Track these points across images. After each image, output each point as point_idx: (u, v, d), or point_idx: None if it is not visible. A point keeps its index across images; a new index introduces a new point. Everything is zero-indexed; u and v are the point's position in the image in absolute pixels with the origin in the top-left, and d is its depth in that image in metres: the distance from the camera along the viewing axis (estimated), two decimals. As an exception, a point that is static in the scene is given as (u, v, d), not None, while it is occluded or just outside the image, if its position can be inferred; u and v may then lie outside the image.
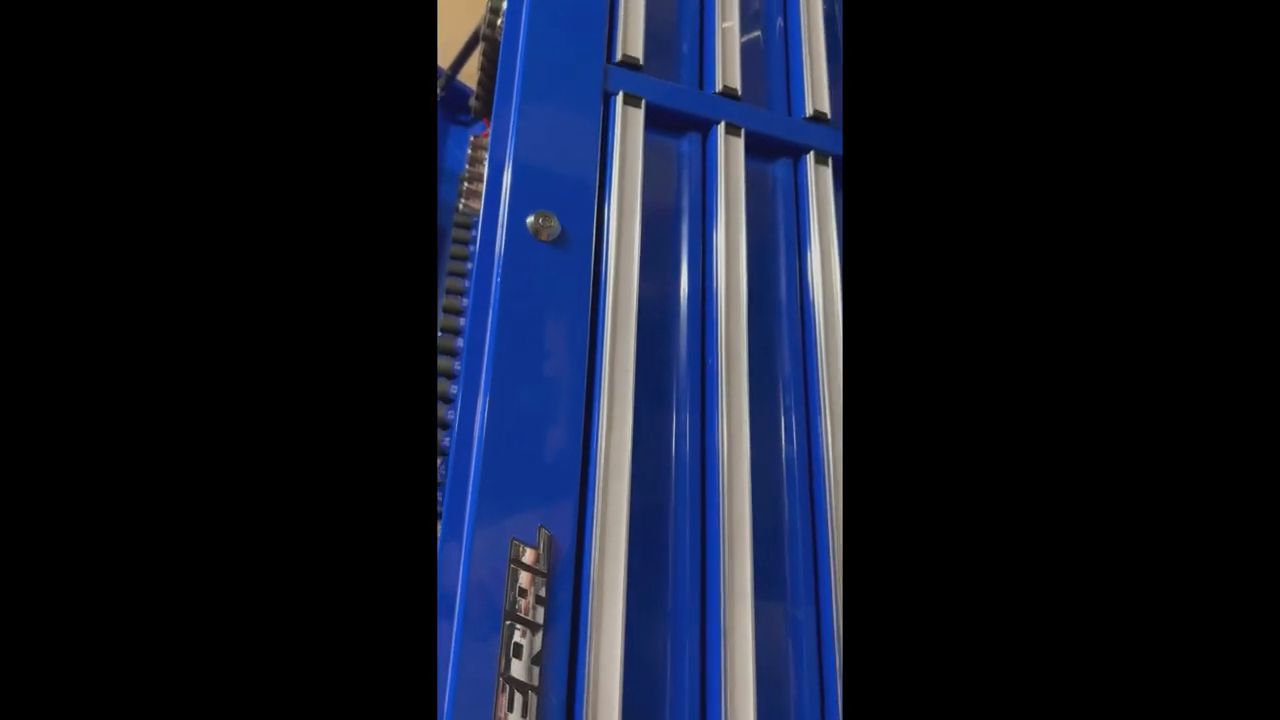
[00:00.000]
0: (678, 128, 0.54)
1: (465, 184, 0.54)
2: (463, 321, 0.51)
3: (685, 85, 0.57)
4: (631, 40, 0.53)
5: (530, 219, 0.41)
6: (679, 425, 0.43)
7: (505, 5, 0.52)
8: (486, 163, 0.45)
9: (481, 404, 0.36)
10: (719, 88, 0.56)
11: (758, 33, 0.67)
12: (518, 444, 0.36)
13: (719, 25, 0.59)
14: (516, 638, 0.30)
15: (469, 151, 0.55)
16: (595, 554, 0.34)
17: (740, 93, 0.56)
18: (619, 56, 0.53)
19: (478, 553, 0.32)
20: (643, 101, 0.51)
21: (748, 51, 0.61)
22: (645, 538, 0.38)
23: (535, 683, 0.30)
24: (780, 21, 0.68)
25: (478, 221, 0.46)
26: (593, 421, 0.38)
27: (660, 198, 0.51)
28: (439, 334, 0.50)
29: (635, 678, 0.32)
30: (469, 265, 0.56)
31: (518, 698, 0.28)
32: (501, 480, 0.34)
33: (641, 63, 0.54)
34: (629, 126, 0.49)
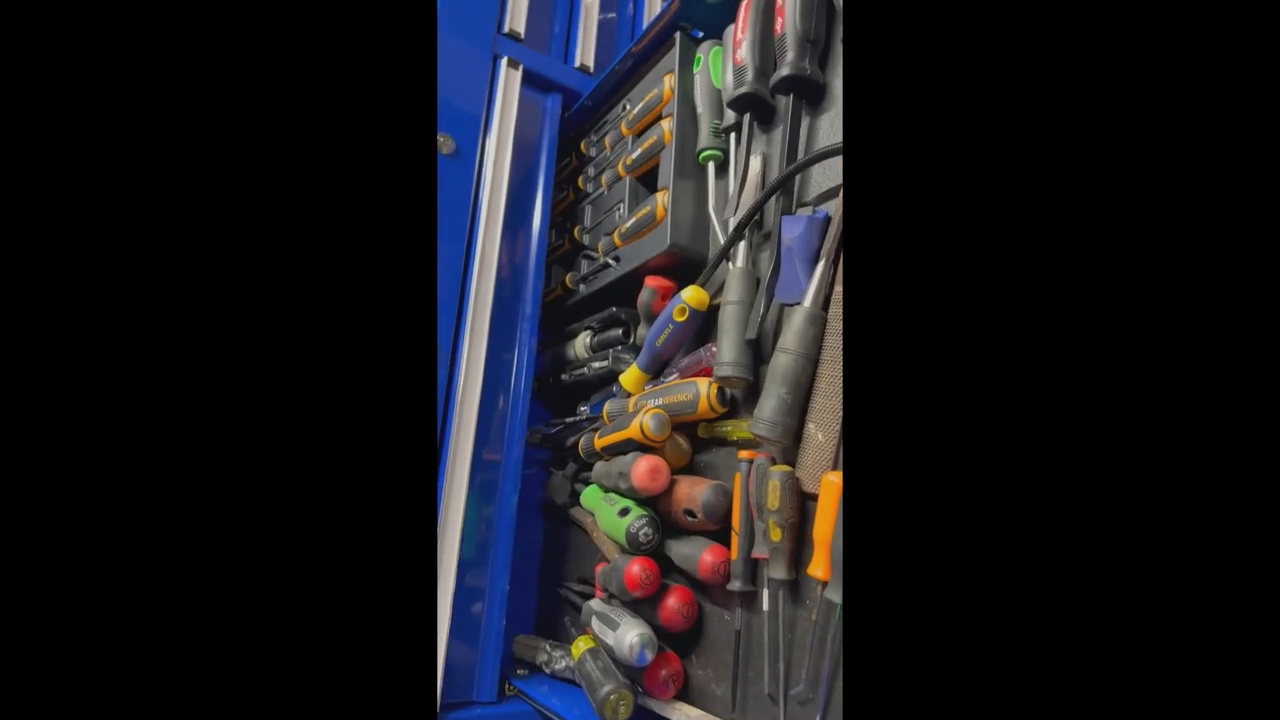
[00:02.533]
0: (544, 88, 0.83)
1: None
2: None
3: (553, 58, 0.86)
4: (516, 18, 0.78)
5: (439, 137, 0.65)
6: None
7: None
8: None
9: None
10: (578, 64, 0.87)
11: (612, 15, 0.98)
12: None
13: (584, 9, 0.88)
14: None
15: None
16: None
17: (593, 69, 0.87)
18: (506, 29, 0.78)
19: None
20: (520, 65, 0.78)
21: (603, 33, 0.92)
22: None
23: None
24: (630, 9, 1.00)
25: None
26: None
27: (527, 136, 0.79)
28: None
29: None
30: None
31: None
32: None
33: (523, 36, 0.80)
34: (509, 83, 0.75)
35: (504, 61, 0.78)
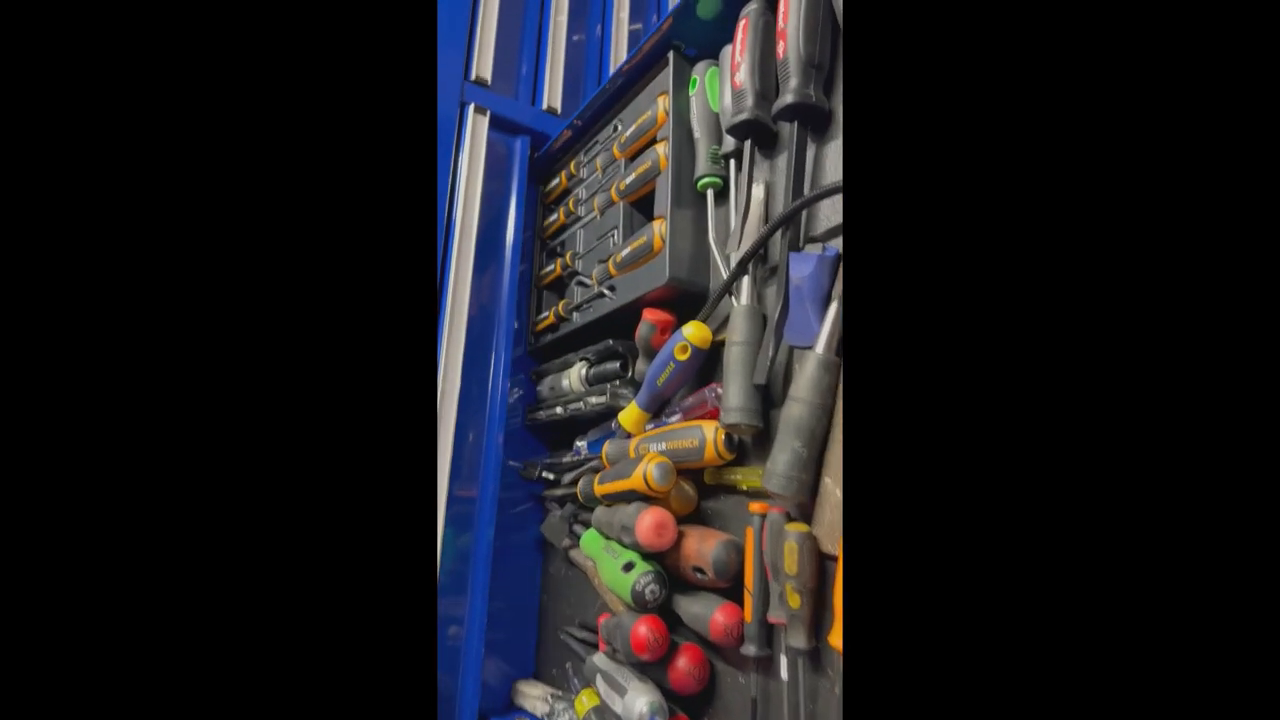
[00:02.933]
0: (512, 131, 0.84)
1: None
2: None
3: (521, 100, 0.85)
4: (483, 64, 0.77)
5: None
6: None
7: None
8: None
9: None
10: (545, 105, 0.87)
11: (579, 38, 0.98)
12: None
13: (550, 52, 0.88)
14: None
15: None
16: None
17: (560, 111, 0.87)
18: (473, 76, 0.77)
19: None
20: (488, 111, 0.78)
21: (570, 75, 0.94)
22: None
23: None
24: (598, 50, 1.01)
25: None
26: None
27: (496, 179, 0.82)
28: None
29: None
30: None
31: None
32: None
33: (489, 82, 0.80)
34: (477, 130, 0.74)
35: (471, 108, 0.77)
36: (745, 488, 0.51)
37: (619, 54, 1.02)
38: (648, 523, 0.50)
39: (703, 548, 0.48)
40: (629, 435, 0.61)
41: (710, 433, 0.50)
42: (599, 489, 0.59)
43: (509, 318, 0.82)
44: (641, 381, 0.63)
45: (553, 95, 0.90)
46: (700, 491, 0.56)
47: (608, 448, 0.61)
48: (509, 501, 0.82)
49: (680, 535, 0.51)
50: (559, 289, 0.84)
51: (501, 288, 0.83)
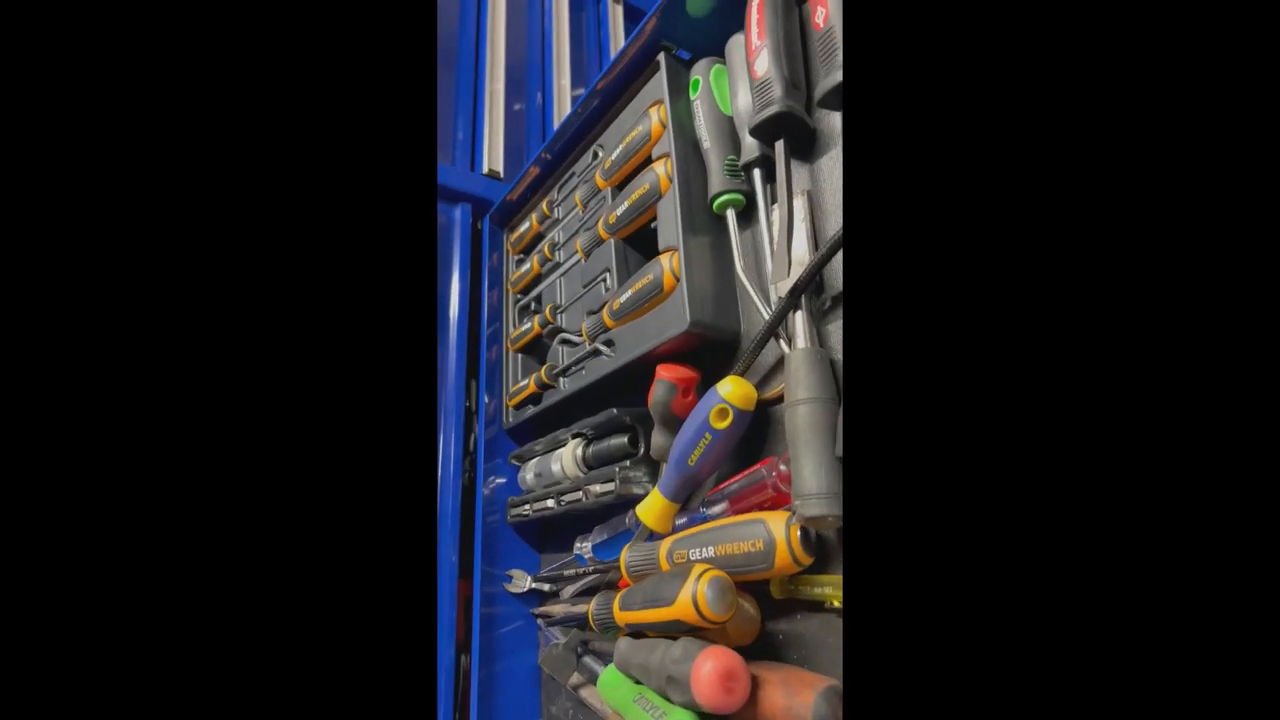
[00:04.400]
0: (450, 199, 0.79)
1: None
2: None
3: (459, 166, 0.82)
4: None
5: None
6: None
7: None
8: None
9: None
10: (486, 169, 0.82)
11: (519, 107, 0.93)
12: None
13: (488, 112, 0.86)
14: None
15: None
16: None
17: (503, 175, 0.82)
18: None
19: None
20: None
21: (512, 135, 0.89)
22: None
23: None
24: (539, 104, 0.96)
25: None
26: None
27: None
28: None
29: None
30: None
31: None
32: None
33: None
34: None
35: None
36: (836, 605, 0.36)
37: (563, 107, 0.97)
38: (710, 674, 0.34)
39: (794, 703, 0.33)
40: (654, 535, 0.46)
41: (780, 530, 0.36)
42: (622, 616, 0.43)
43: (458, 399, 0.73)
44: (662, 461, 0.49)
45: (494, 158, 0.84)
46: (765, 607, 0.41)
47: (627, 555, 0.46)
48: (495, 620, 0.65)
49: (754, 683, 0.35)
50: (538, 351, 0.70)
51: (447, 367, 0.74)
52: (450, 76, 0.87)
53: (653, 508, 0.45)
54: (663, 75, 0.50)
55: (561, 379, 0.60)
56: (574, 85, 1.02)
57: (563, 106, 0.98)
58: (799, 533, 0.35)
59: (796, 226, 0.41)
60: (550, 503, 0.58)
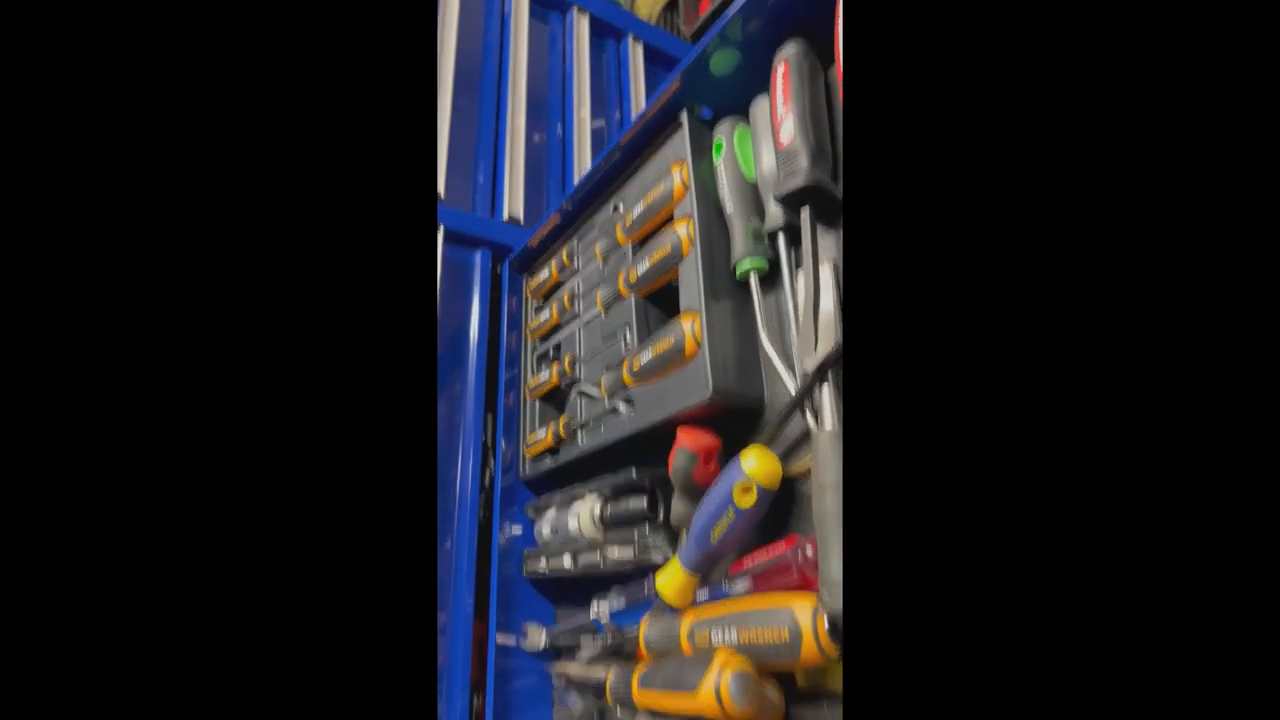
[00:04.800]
0: (470, 245, 0.80)
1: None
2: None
3: (478, 211, 0.82)
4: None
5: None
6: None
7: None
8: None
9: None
10: (506, 215, 0.83)
11: (539, 137, 0.95)
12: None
13: (509, 157, 0.87)
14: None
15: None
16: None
17: (523, 220, 0.83)
18: None
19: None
20: (442, 226, 0.70)
21: (532, 180, 0.90)
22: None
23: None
24: (560, 153, 0.98)
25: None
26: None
27: (452, 298, 0.77)
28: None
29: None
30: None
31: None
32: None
33: (443, 195, 0.78)
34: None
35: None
36: (867, 700, 0.34)
37: (582, 154, 0.97)
38: (733, 777, 0.33)
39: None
40: (672, 608, 0.45)
41: (807, 620, 0.34)
42: (640, 696, 0.42)
43: (476, 449, 0.74)
44: (682, 529, 0.48)
45: (514, 204, 0.84)
46: (789, 694, 0.39)
47: (647, 629, 0.45)
48: (510, 672, 0.64)
49: (779, 784, 0.34)
50: (556, 400, 0.69)
51: (466, 403, 0.74)
52: (473, 108, 0.87)
53: (673, 580, 0.44)
54: (685, 135, 0.50)
55: (580, 433, 0.59)
56: (594, 116, 1.03)
57: (583, 137, 0.98)
58: (826, 624, 0.34)
59: (824, 296, 0.40)
60: (567, 562, 0.57)
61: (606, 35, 1.10)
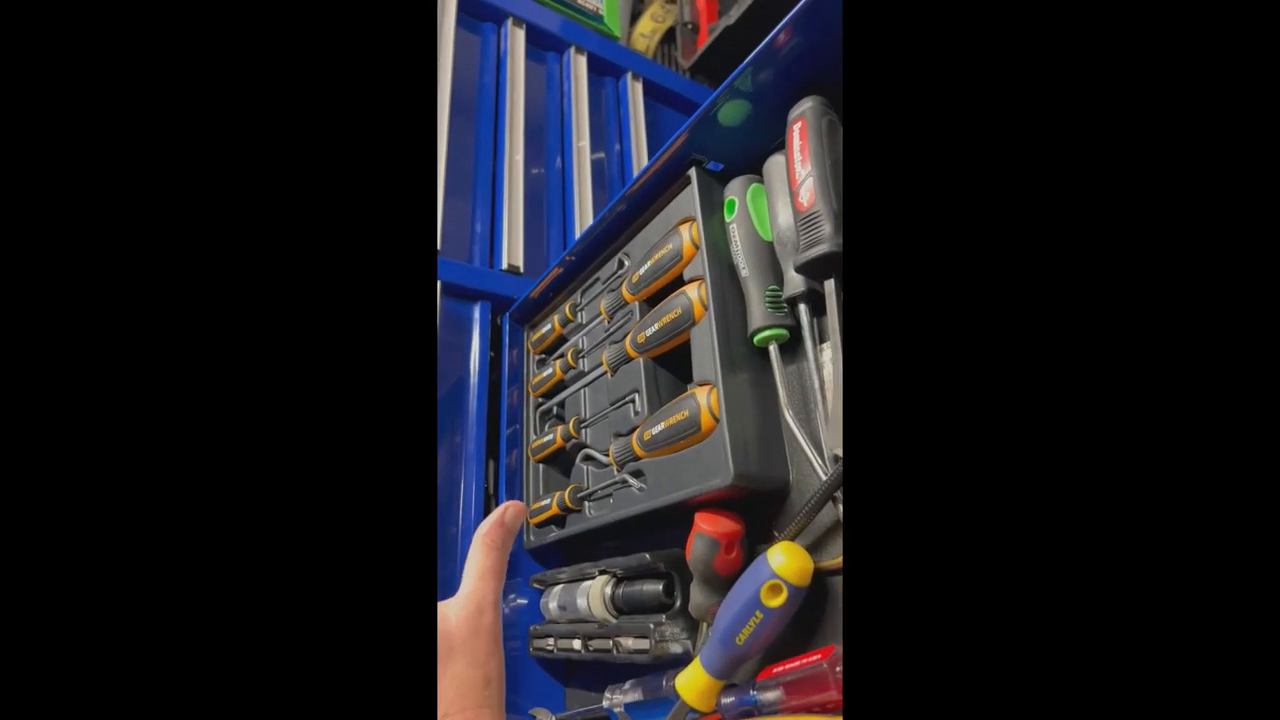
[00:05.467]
0: (468, 298, 0.77)
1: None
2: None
3: (476, 262, 0.80)
4: None
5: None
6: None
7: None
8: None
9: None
10: (505, 265, 0.81)
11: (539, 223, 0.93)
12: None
13: (506, 206, 0.84)
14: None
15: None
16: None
17: (523, 269, 0.81)
18: None
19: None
20: (438, 280, 0.67)
21: (531, 229, 0.87)
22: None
23: None
24: (560, 199, 0.95)
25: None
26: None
27: (450, 352, 0.74)
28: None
29: None
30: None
31: None
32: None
33: (438, 247, 0.76)
34: None
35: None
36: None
37: (583, 190, 0.94)
38: None
39: None
40: (694, 711, 0.40)
41: (851, 751, 0.30)
42: (663, 823, 0.37)
43: (478, 479, 0.70)
44: (701, 620, 0.44)
45: (513, 253, 0.81)
46: (830, 824, 0.35)
47: (666, 736, 0.40)
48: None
49: None
50: (560, 462, 0.65)
51: (466, 447, 0.70)
52: (468, 154, 0.85)
53: (695, 683, 0.40)
54: (694, 191, 0.47)
55: (588, 505, 0.56)
56: (593, 149, 1.00)
57: (582, 169, 0.96)
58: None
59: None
60: (577, 645, 0.53)
61: (605, 73, 1.08)
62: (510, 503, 0.37)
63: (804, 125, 0.39)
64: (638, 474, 0.49)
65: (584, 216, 0.92)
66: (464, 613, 0.32)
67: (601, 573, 0.52)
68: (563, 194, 0.94)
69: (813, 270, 0.38)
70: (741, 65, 0.41)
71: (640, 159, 1.04)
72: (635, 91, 1.08)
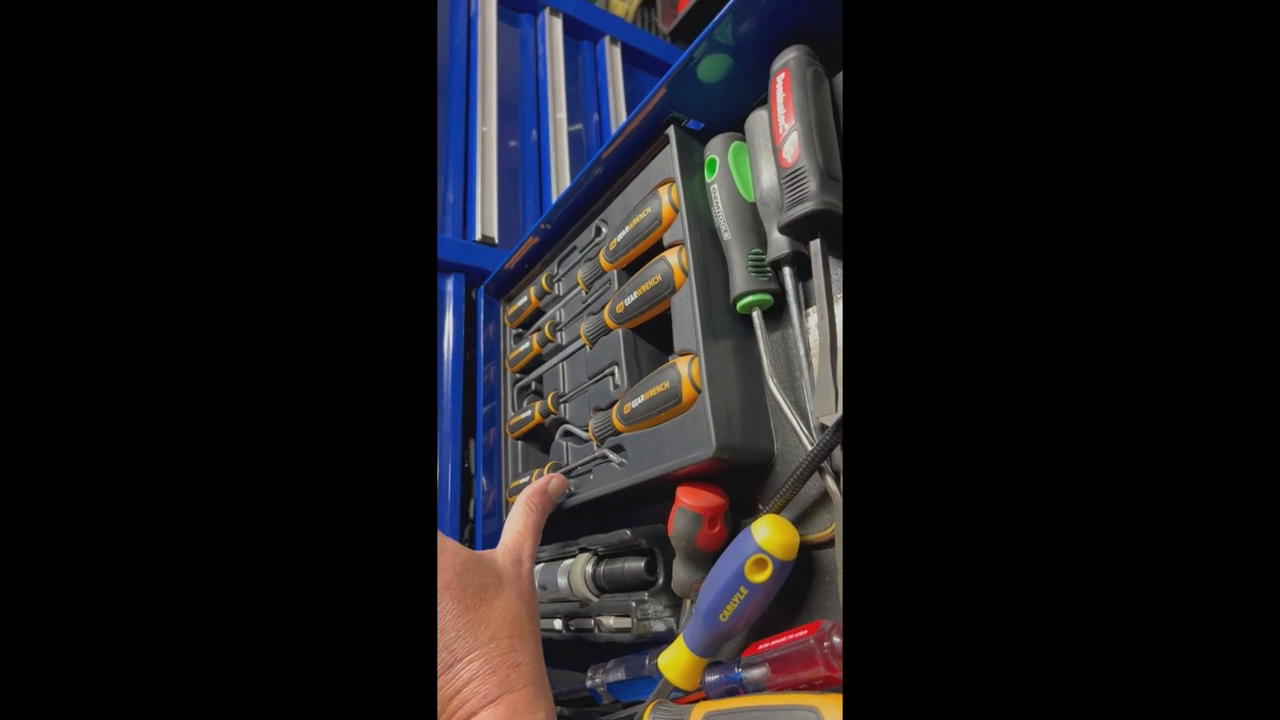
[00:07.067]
0: (442, 271, 0.75)
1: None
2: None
3: (449, 233, 0.74)
4: None
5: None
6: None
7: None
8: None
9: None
10: (479, 236, 0.78)
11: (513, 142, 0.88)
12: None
13: (480, 174, 0.79)
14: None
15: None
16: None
17: (498, 240, 0.77)
18: None
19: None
20: None
21: (506, 198, 0.84)
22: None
23: None
24: (536, 165, 0.91)
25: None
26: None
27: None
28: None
29: None
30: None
31: None
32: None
33: None
34: None
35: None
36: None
37: (560, 161, 0.90)
38: None
39: None
40: (678, 690, 0.39)
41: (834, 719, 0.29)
42: (647, 803, 0.36)
43: (454, 477, 0.69)
44: (684, 597, 0.43)
45: (487, 224, 0.78)
46: (817, 801, 0.34)
47: (652, 713, 0.39)
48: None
49: None
50: (539, 438, 0.64)
51: (442, 443, 0.70)
52: (439, 120, 0.81)
53: (678, 661, 0.38)
54: (673, 151, 0.44)
55: (569, 480, 0.54)
56: (570, 120, 0.97)
57: (559, 141, 0.92)
58: (863, 733, 0.29)
59: (841, 339, 0.35)
60: (558, 624, 0.52)
61: (582, 37, 1.04)
62: (555, 474, 0.41)
63: (787, 76, 0.37)
64: (618, 449, 0.47)
65: (561, 188, 0.89)
66: (508, 558, 0.37)
67: (582, 550, 0.51)
68: (539, 165, 0.91)
69: (797, 230, 0.36)
70: (720, 13, 0.38)
71: (619, 128, 1.01)
72: (614, 57, 1.04)
